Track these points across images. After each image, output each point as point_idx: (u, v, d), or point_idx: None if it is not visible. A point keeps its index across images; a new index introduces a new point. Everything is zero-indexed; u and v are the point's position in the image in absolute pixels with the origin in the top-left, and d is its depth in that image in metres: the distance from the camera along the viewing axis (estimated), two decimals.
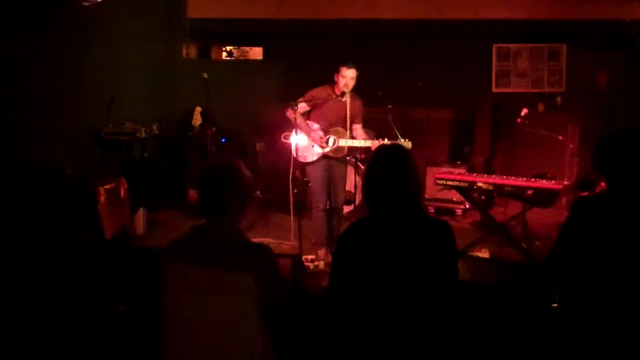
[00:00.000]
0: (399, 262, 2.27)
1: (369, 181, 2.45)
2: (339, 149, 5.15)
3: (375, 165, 2.47)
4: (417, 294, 2.26)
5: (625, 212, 2.43)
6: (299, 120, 5.09)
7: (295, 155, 5.12)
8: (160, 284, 2.30)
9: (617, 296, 2.37)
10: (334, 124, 5.17)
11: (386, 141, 5.23)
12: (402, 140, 5.27)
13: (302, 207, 5.44)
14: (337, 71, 5.10)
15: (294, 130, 5.15)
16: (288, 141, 5.18)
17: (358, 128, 5.28)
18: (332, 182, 5.25)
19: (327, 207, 5.27)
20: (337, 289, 2.37)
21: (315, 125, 5.17)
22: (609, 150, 2.53)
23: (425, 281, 2.27)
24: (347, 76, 5.05)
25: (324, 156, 5.16)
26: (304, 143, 5.14)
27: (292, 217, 5.17)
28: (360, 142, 5.18)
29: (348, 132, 5.19)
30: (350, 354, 2.31)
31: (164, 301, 2.29)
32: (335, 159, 5.20)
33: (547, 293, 2.70)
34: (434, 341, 2.27)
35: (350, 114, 5.19)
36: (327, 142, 5.13)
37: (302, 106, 5.10)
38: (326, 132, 5.15)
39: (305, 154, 5.14)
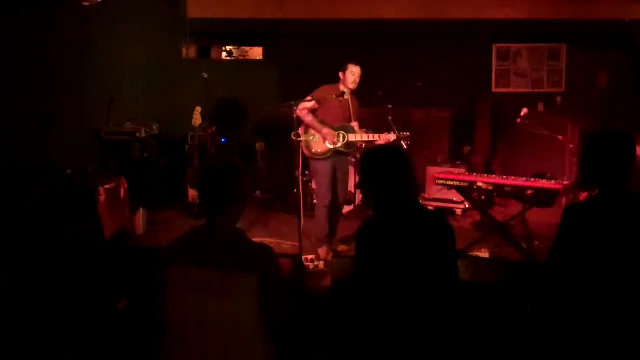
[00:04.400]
0: (416, 257, 2.40)
1: (371, 184, 2.54)
2: (350, 144, 5.22)
3: (374, 168, 2.53)
4: (430, 288, 2.40)
5: (615, 215, 2.42)
6: (310, 118, 5.17)
7: (306, 153, 5.18)
8: (161, 286, 2.30)
9: (612, 299, 2.37)
10: (340, 122, 5.25)
11: (392, 134, 5.28)
12: (400, 133, 5.31)
13: (302, 207, 5.45)
14: (344, 69, 5.17)
15: (303, 128, 5.20)
16: (299, 139, 5.20)
17: (355, 126, 5.35)
18: (336, 180, 5.32)
19: (331, 204, 5.31)
20: (359, 285, 2.47)
21: (325, 122, 5.23)
22: (593, 153, 2.51)
23: (436, 274, 2.41)
24: (356, 73, 5.16)
25: (334, 152, 5.21)
26: (315, 139, 5.21)
27: (302, 215, 5.13)
28: (369, 136, 5.26)
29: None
30: (362, 349, 2.42)
31: (165, 303, 2.29)
32: (342, 156, 5.28)
33: (547, 296, 2.70)
34: (441, 335, 2.39)
35: (353, 111, 5.28)
36: (337, 138, 5.21)
37: (310, 104, 5.15)
38: (335, 128, 5.22)
39: (318, 150, 5.19)
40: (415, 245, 2.41)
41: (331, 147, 5.20)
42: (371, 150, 2.63)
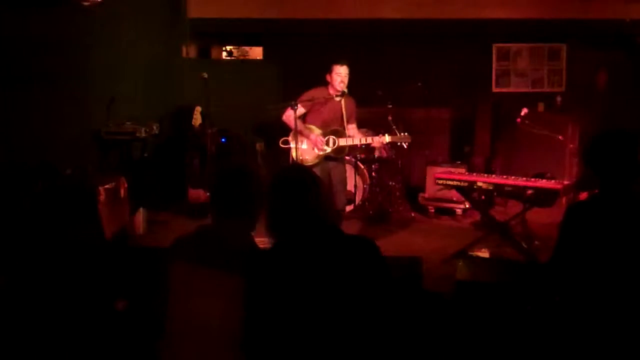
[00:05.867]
0: (327, 289, 2.06)
1: (274, 210, 2.24)
2: (340, 148, 5.15)
3: (277, 192, 2.26)
4: (349, 320, 2.07)
5: (618, 213, 2.42)
6: (297, 123, 5.06)
7: (295, 159, 5.11)
8: (163, 283, 2.31)
9: (617, 298, 2.37)
10: (331, 125, 5.17)
11: (386, 136, 5.24)
12: (401, 134, 5.29)
13: None
14: (330, 71, 5.08)
15: (291, 134, 5.15)
16: (287, 146, 5.18)
17: (352, 128, 5.27)
18: (332, 186, 5.19)
19: None
20: (259, 330, 2.13)
21: (314, 127, 5.17)
22: (599, 151, 2.51)
23: (357, 305, 2.08)
24: (342, 73, 5.04)
25: (324, 158, 5.14)
26: (304, 146, 5.13)
27: None
28: (361, 139, 5.19)
29: (346, 131, 5.19)
30: None
31: (167, 299, 2.29)
32: (335, 160, 5.20)
33: (548, 295, 2.69)
34: None
35: (346, 114, 5.17)
36: (327, 144, 5.12)
37: (298, 110, 5.08)
38: (325, 133, 5.16)
39: (306, 157, 5.13)
40: (320, 278, 2.06)
41: (320, 153, 5.13)
42: (277, 173, 2.34)
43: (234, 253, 2.28)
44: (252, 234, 2.41)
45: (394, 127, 6.30)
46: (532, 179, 5.13)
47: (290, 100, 5.10)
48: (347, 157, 5.72)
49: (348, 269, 2.10)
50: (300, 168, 2.48)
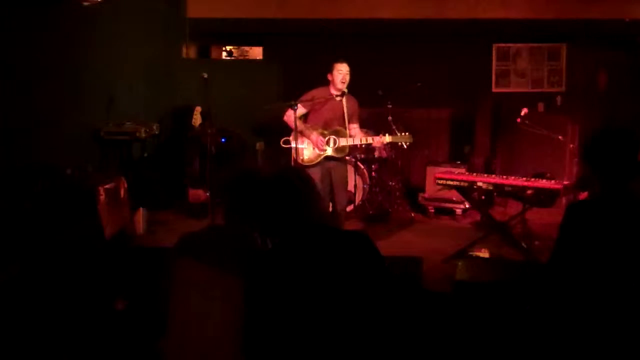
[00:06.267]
0: (326, 288, 2.06)
1: (269, 211, 2.23)
2: (341, 148, 5.14)
3: (271, 194, 2.24)
4: (349, 318, 2.06)
5: (618, 213, 2.42)
6: (298, 123, 5.06)
7: (296, 159, 5.11)
8: (167, 280, 2.31)
9: (616, 297, 2.37)
10: (332, 125, 5.16)
11: (387, 136, 5.23)
12: (402, 134, 5.29)
13: None
14: (331, 69, 5.07)
15: (292, 135, 5.14)
16: (288, 146, 5.18)
17: (355, 128, 5.26)
18: (333, 186, 5.20)
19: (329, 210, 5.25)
20: (259, 331, 2.10)
21: (315, 127, 5.17)
22: (598, 149, 2.51)
23: (356, 302, 2.08)
24: (343, 71, 5.04)
25: (325, 158, 5.14)
26: (305, 146, 5.13)
27: None
28: (362, 139, 5.18)
29: (347, 131, 5.18)
30: None
31: (169, 298, 2.30)
32: (336, 160, 5.19)
33: (547, 295, 2.69)
34: None
35: (347, 114, 5.16)
36: (328, 143, 5.12)
37: (298, 110, 5.07)
38: (326, 133, 5.15)
39: (308, 157, 5.13)
40: (319, 277, 2.06)
41: (321, 153, 5.12)
42: (271, 175, 2.32)
43: (241, 254, 2.28)
44: (256, 236, 2.41)
45: (394, 127, 6.31)
46: (532, 179, 5.13)
47: (290, 100, 5.10)
48: (347, 157, 5.71)
49: (345, 266, 2.11)
50: (293, 169, 2.50)
